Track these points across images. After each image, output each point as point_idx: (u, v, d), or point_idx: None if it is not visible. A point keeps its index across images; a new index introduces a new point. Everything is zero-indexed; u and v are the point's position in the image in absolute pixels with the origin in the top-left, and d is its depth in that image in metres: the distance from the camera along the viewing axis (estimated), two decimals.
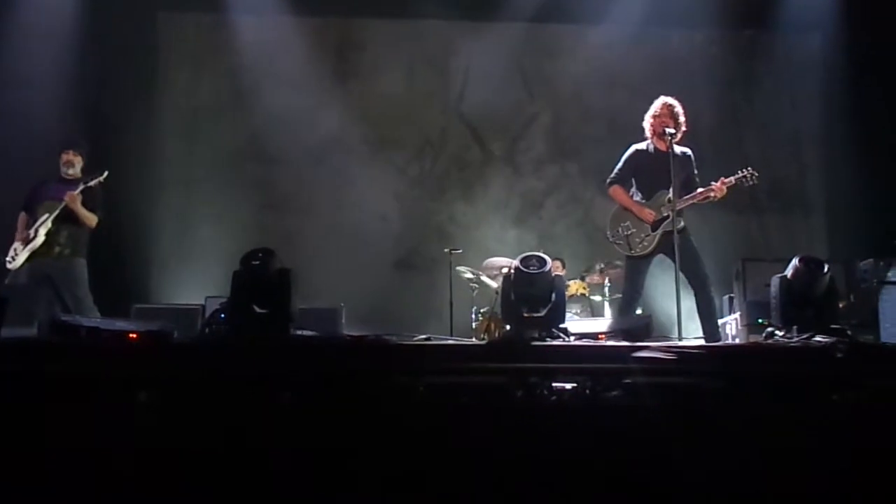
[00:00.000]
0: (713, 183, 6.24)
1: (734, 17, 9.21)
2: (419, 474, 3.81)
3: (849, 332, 4.79)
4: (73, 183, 6.61)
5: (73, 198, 6.50)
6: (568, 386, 4.36)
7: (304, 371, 4.43)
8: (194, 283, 8.33)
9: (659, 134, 6.29)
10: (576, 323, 7.06)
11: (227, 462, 3.79)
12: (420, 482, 3.79)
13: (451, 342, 6.13)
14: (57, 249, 6.52)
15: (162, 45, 9.42)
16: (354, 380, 4.41)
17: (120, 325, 5.27)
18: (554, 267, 7.44)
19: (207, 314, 7.13)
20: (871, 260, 6.30)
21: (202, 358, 4.81)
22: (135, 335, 5.02)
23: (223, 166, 9.29)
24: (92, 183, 6.57)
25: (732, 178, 6.28)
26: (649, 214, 6.29)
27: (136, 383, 4.19)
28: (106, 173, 6.65)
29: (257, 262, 5.23)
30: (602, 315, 7.94)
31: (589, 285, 8.18)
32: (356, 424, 4.01)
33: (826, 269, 4.99)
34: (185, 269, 8.85)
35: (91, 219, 6.61)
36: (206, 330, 6.57)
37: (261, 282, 5.22)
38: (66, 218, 6.53)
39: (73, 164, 6.72)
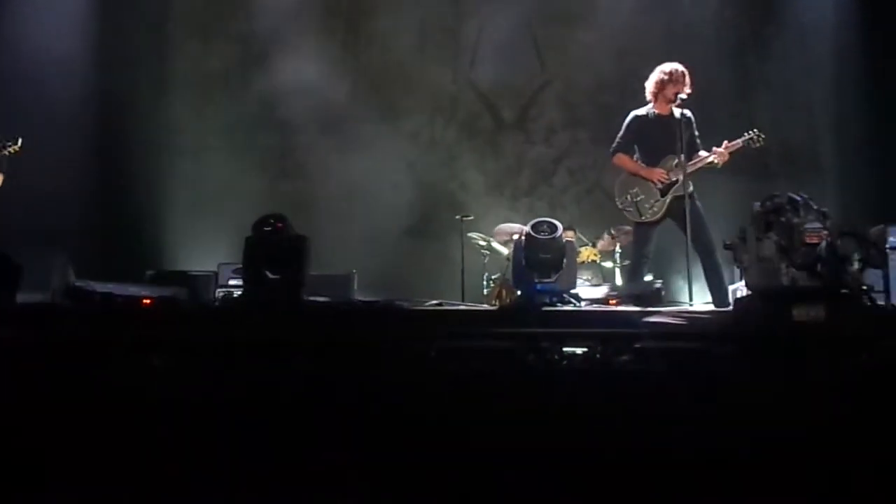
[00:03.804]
0: (716, 148, 6.26)
1: None
2: (429, 440, 3.83)
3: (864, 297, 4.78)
4: None
5: None
6: (579, 351, 4.39)
7: (316, 336, 4.46)
8: (207, 250, 8.37)
9: (669, 100, 6.29)
10: (587, 289, 7.11)
11: (242, 425, 3.83)
12: (430, 448, 3.82)
13: (462, 308, 6.18)
14: None
15: (172, 14, 9.39)
16: (367, 345, 4.44)
17: (133, 290, 5.33)
18: (566, 236, 7.48)
19: (220, 280, 7.20)
20: (882, 226, 6.27)
21: (215, 323, 4.86)
22: (148, 300, 5.08)
23: (235, 134, 9.28)
24: (3, 152, 6.59)
25: (739, 141, 6.30)
26: (661, 174, 6.29)
27: (150, 348, 4.23)
28: (20, 141, 6.64)
29: (269, 228, 5.26)
30: (613, 281, 7.95)
31: (600, 252, 8.18)
32: (368, 389, 4.04)
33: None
34: (198, 236, 8.88)
35: None
36: (220, 295, 6.64)
37: (273, 247, 5.25)
38: None
39: None
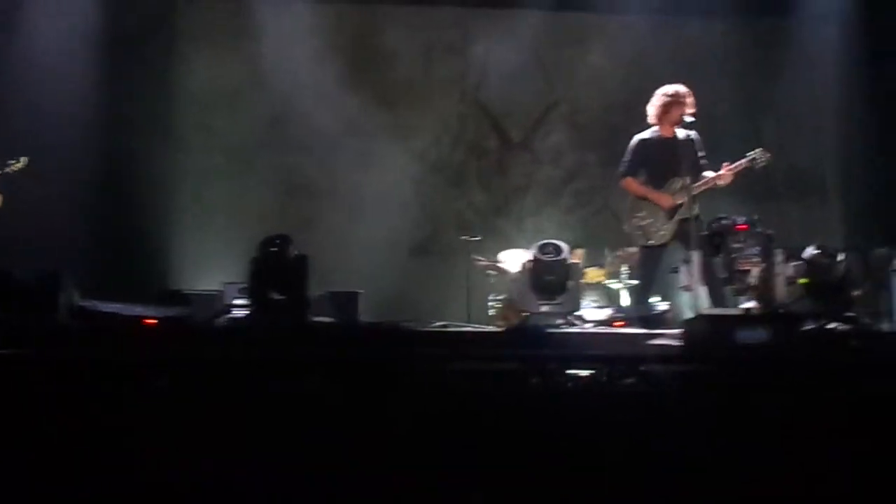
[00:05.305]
0: (721, 170, 6.27)
1: (753, 6, 9.17)
2: (436, 460, 3.82)
3: (863, 320, 4.80)
4: None
5: None
6: (584, 373, 4.38)
7: (322, 357, 4.45)
8: (213, 270, 8.35)
9: (674, 122, 6.29)
10: (593, 311, 7.09)
11: (246, 445, 3.82)
12: (436, 468, 3.80)
13: (468, 329, 6.17)
14: None
15: (181, 32, 9.43)
16: (372, 366, 4.43)
17: (139, 310, 5.33)
18: (576, 255, 7.48)
19: (226, 300, 7.19)
20: (886, 248, 6.27)
21: (221, 344, 4.85)
22: (153, 321, 5.07)
23: (242, 153, 9.28)
24: (7, 170, 6.60)
25: (743, 161, 6.29)
26: (668, 200, 6.29)
27: (154, 369, 4.23)
28: (24, 160, 6.66)
29: (274, 248, 5.27)
30: (619, 303, 7.92)
31: (607, 273, 8.15)
32: (373, 411, 4.03)
33: (840, 258, 5.01)
34: (204, 256, 8.87)
35: None
36: (225, 316, 6.63)
37: (278, 268, 5.26)
38: None
39: None
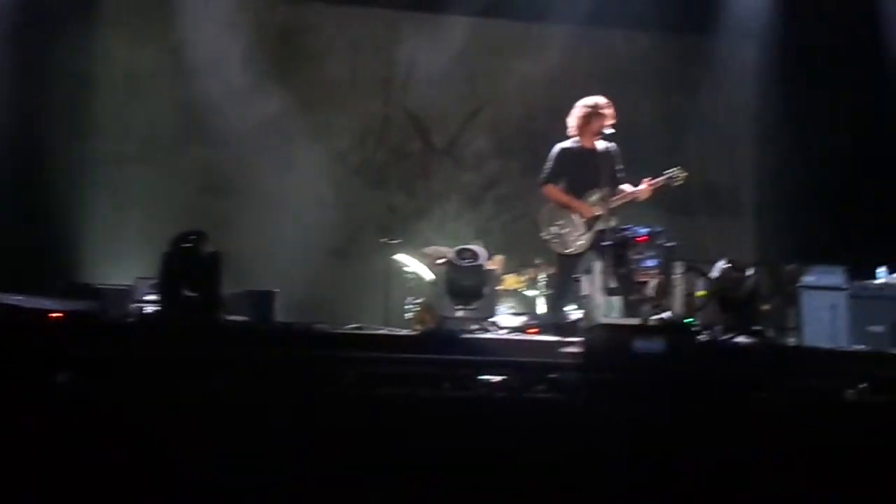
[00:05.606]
0: (640, 185, 6.37)
1: (676, 22, 9.31)
2: (343, 463, 3.80)
3: (768, 334, 4.93)
4: None
5: None
6: (495, 379, 4.40)
7: (232, 357, 4.40)
8: (126, 264, 8.16)
9: (595, 133, 6.37)
10: (508, 317, 7.13)
11: (152, 444, 3.75)
12: (344, 471, 3.78)
13: (382, 332, 6.13)
14: None
15: (99, 16, 9.17)
16: (282, 367, 4.38)
17: (45, 303, 5.18)
18: (496, 262, 7.51)
19: (137, 296, 7.03)
20: (795, 264, 6.44)
21: (128, 340, 4.75)
22: (59, 314, 4.94)
23: (160, 146, 9.10)
24: None
25: (661, 179, 6.42)
26: (588, 209, 6.35)
27: (58, 363, 4.12)
28: None
29: (188, 244, 5.17)
30: (535, 310, 7.97)
31: (525, 280, 8.20)
32: (284, 412, 3.99)
33: (750, 273, 5.14)
34: (118, 249, 8.66)
35: None
36: (135, 311, 6.48)
37: (191, 264, 5.17)
38: None
39: None
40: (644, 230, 5.68)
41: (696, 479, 3.82)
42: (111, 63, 9.14)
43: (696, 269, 5.74)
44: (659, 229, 5.71)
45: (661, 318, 5.05)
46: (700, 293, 5.89)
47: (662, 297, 5.17)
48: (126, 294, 6.86)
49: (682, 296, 5.51)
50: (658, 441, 3.87)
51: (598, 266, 5.74)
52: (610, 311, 5.84)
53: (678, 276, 5.50)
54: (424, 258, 8.04)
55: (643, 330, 4.76)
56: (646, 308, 5.13)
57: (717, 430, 3.96)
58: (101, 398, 3.98)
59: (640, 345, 4.40)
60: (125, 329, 5.28)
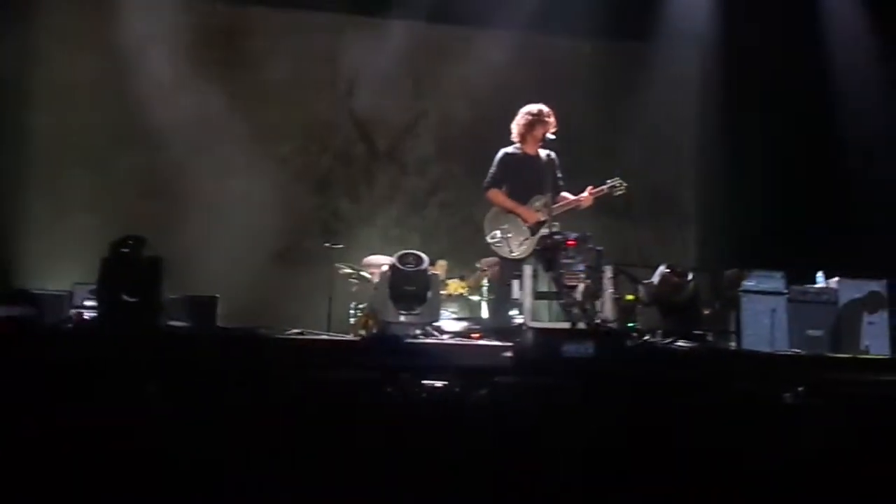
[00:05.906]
0: (584, 193, 6.46)
1: (619, 29, 9.43)
2: (287, 467, 3.79)
3: (709, 338, 5.00)
4: None
5: None
6: (438, 383, 4.41)
7: (172, 363, 4.36)
8: (64, 269, 8.03)
9: (538, 139, 6.44)
10: (451, 322, 7.15)
11: (83, 449, 3.70)
12: (288, 476, 3.77)
13: (324, 337, 6.12)
14: None
15: (40, 23, 9.01)
16: (223, 372, 4.35)
17: None
18: (439, 267, 7.52)
19: (75, 301, 6.93)
20: (735, 269, 6.54)
21: (66, 345, 4.68)
22: None
23: (98, 148, 8.95)
24: None
25: (603, 188, 6.52)
26: (533, 215, 6.41)
27: None
28: None
29: (126, 249, 5.12)
30: (479, 315, 8.00)
31: (468, 286, 8.23)
32: (223, 417, 3.96)
33: (690, 278, 5.23)
34: (56, 254, 8.50)
35: None
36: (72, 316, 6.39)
37: (129, 269, 5.11)
38: None
39: None
40: (574, 235, 5.75)
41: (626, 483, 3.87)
42: (47, 66, 8.97)
43: (625, 272, 5.83)
44: (588, 234, 5.79)
45: (597, 322, 5.11)
46: (629, 297, 5.99)
47: (590, 300, 5.24)
48: (64, 300, 6.76)
49: (610, 299, 5.59)
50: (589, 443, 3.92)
51: (528, 270, 5.80)
52: (544, 315, 5.90)
53: (607, 279, 5.58)
54: (365, 268, 8.03)
55: (573, 334, 4.83)
56: (576, 312, 5.19)
57: (651, 432, 4.01)
58: (38, 404, 3.92)
59: (570, 348, 4.46)
60: (60, 334, 5.21)
